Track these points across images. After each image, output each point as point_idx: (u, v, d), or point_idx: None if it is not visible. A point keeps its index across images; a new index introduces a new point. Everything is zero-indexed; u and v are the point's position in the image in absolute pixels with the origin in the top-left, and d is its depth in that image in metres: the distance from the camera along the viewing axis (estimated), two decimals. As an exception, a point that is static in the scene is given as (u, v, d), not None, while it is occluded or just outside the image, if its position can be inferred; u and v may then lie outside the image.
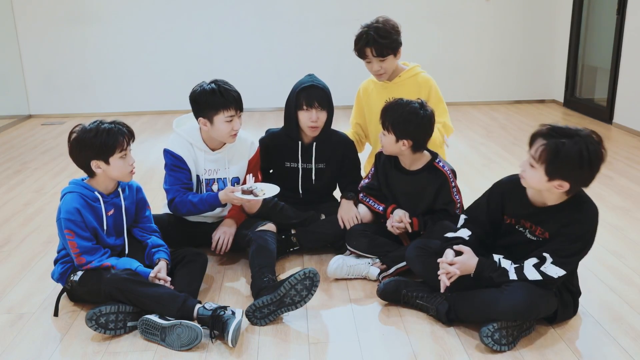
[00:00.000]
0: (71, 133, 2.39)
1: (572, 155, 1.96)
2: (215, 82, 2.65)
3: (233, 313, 2.23)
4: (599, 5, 6.23)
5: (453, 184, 2.69)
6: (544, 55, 6.89)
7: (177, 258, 2.57)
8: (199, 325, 2.19)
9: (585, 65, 6.54)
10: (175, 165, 2.73)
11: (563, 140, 1.98)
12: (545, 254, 2.12)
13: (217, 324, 2.20)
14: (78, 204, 2.34)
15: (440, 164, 2.70)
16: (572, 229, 2.11)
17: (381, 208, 2.82)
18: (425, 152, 2.73)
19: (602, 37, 6.05)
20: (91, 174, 2.41)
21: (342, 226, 2.87)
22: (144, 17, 6.54)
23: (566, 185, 2.04)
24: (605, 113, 5.84)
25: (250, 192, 2.56)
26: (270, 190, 2.62)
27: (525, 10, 6.74)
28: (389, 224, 2.72)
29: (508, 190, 2.28)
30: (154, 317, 2.23)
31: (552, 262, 2.10)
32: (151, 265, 2.48)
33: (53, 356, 2.16)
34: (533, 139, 2.08)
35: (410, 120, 2.55)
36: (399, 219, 2.68)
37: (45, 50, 6.54)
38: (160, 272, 2.40)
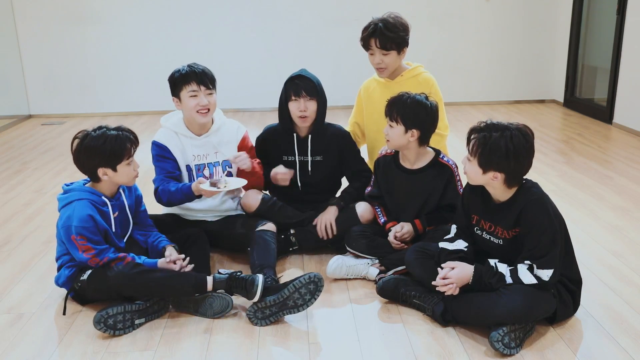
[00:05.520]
0: (75, 139, 2.37)
1: (498, 146, 2.09)
2: (188, 64, 2.73)
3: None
4: (599, 5, 6.23)
5: (458, 178, 2.71)
6: (544, 55, 6.89)
7: (181, 240, 2.63)
8: (229, 295, 2.33)
9: (585, 65, 6.54)
10: (160, 155, 2.79)
11: (492, 133, 2.11)
12: (527, 262, 2.13)
13: (239, 283, 2.31)
14: (91, 211, 2.32)
15: (445, 159, 2.73)
16: (528, 226, 2.14)
17: (382, 220, 2.83)
18: (429, 148, 2.74)
19: (602, 37, 6.04)
20: (97, 179, 2.40)
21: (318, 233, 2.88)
22: (144, 17, 6.54)
23: (500, 176, 2.13)
24: (605, 113, 5.84)
25: (215, 185, 2.59)
26: (234, 183, 2.65)
27: (525, 10, 6.74)
28: (390, 237, 2.72)
29: (473, 188, 2.32)
30: None
31: (537, 267, 2.12)
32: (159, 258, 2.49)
33: (53, 356, 2.16)
34: (469, 135, 2.19)
35: (418, 109, 2.60)
36: (401, 236, 2.70)
37: (45, 50, 6.54)
38: (171, 255, 2.43)
